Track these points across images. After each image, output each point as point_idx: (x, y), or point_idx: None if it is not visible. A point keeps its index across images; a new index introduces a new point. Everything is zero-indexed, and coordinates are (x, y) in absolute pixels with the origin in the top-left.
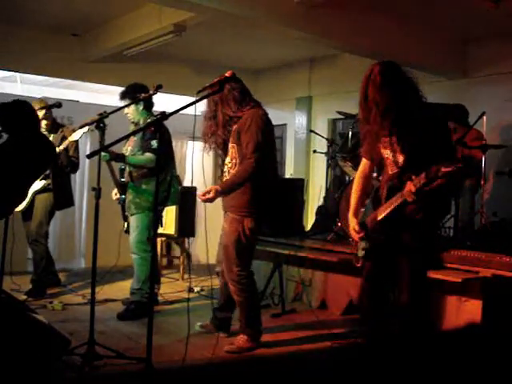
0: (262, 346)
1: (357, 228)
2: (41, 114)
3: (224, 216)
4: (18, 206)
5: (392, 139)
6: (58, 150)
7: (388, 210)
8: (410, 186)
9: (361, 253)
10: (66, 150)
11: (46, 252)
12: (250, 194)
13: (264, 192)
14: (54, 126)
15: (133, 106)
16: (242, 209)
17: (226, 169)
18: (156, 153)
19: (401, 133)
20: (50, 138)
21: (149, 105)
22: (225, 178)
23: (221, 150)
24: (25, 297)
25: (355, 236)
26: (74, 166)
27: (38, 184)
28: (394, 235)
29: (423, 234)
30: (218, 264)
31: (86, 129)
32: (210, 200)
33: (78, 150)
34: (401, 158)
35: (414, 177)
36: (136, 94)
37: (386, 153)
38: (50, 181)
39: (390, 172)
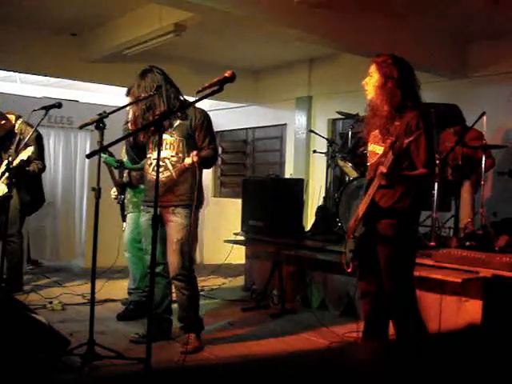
0: (261, 346)
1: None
2: None
3: (161, 211)
4: None
5: (374, 132)
6: (16, 162)
7: (367, 203)
8: (380, 168)
9: (348, 255)
10: (22, 165)
11: (19, 250)
12: (196, 188)
13: (201, 186)
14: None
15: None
16: (190, 202)
17: (167, 162)
18: None
19: (380, 125)
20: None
21: None
22: (167, 173)
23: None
24: None
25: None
26: (40, 171)
27: (3, 189)
28: (372, 225)
29: (398, 223)
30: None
31: (31, 149)
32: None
33: (41, 151)
34: (380, 149)
35: (383, 159)
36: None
37: (369, 146)
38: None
39: (368, 164)
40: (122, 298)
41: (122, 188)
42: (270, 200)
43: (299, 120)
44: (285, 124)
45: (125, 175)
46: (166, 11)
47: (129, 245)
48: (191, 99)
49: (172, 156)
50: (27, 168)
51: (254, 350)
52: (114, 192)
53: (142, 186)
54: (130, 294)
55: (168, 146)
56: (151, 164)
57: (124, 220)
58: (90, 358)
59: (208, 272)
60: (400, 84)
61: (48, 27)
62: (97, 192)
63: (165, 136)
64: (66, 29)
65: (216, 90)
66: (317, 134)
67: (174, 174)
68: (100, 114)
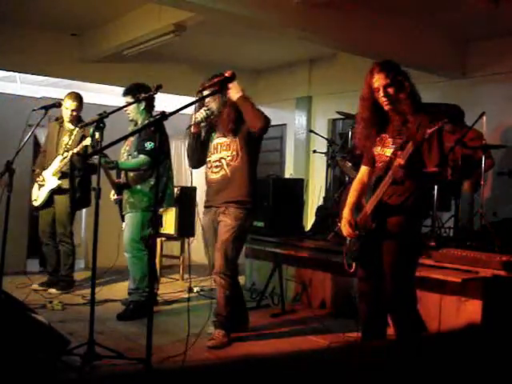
0: (261, 346)
1: (353, 223)
2: (72, 105)
3: (217, 211)
4: None
5: (382, 136)
6: (71, 152)
7: (377, 199)
8: (398, 161)
9: (352, 254)
10: (79, 153)
11: (72, 251)
12: (251, 188)
13: (256, 187)
14: (78, 121)
15: (134, 105)
16: (244, 203)
17: (223, 162)
18: (149, 154)
19: (393, 128)
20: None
21: (150, 105)
22: (222, 172)
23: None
24: (53, 290)
25: (347, 231)
26: (93, 168)
27: (54, 182)
28: (380, 223)
29: (406, 221)
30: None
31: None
32: None
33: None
34: (389, 152)
35: (399, 152)
36: (139, 92)
37: (377, 150)
38: (66, 180)
39: (378, 165)
40: (121, 298)
41: (119, 188)
42: (270, 200)
43: (299, 120)
44: (285, 124)
45: (122, 176)
46: (166, 11)
47: (128, 245)
48: (191, 99)
49: (228, 156)
50: (85, 157)
51: (254, 350)
52: (113, 195)
53: (138, 187)
54: (130, 294)
55: (224, 148)
56: (210, 167)
57: (123, 220)
58: (90, 358)
59: (208, 272)
60: (413, 88)
61: (48, 27)
62: (97, 192)
63: (222, 139)
64: (66, 29)
65: (216, 89)
66: (317, 134)
67: (228, 172)
68: (100, 114)
